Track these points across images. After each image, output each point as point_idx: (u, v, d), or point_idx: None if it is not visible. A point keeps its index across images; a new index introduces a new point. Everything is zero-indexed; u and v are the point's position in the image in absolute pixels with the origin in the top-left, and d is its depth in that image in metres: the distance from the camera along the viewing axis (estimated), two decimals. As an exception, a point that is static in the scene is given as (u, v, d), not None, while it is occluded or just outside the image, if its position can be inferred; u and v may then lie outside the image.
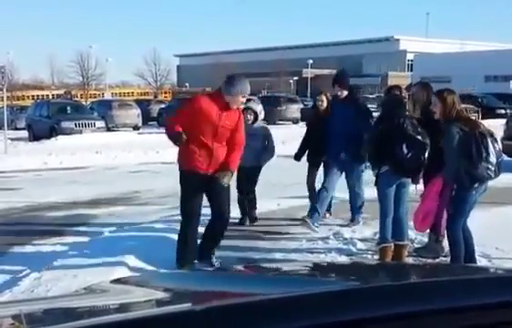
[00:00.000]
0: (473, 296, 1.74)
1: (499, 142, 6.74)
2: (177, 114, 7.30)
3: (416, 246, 7.98)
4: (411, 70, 79.15)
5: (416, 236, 8.28)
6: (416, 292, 1.78)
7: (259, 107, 9.47)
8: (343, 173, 8.97)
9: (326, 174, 9.06)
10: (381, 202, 7.27)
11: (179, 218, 7.16)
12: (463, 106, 7.04)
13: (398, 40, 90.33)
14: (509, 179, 9.27)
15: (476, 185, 6.50)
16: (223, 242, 7.32)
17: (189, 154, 6.73)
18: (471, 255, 6.80)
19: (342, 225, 9.17)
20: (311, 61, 78.36)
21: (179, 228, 7.11)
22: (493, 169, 6.42)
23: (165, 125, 7.55)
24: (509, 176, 9.33)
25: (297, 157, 9.78)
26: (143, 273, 6.11)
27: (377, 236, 8.21)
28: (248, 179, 9.36)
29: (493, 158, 6.38)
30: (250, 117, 9.16)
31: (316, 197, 8.92)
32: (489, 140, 6.40)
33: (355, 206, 9.21)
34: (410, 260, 7.27)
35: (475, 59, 65.94)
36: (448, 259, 7.08)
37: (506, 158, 6.77)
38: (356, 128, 8.39)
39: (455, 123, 6.46)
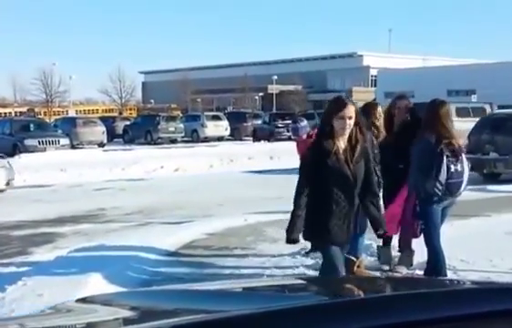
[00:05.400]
0: (442, 309, 1.76)
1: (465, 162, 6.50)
2: None
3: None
4: (375, 85, 79.82)
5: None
6: (378, 306, 1.79)
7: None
8: None
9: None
10: None
11: (146, 235, 7.11)
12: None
13: (362, 56, 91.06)
14: (470, 192, 9.36)
15: (436, 198, 6.37)
16: (189, 259, 7.27)
17: None
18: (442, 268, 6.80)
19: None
20: (275, 77, 78.61)
21: (146, 245, 7.05)
22: (440, 187, 6.25)
23: None
24: (470, 188, 9.43)
25: None
26: (109, 292, 6.06)
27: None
28: None
29: (442, 177, 6.21)
30: None
31: None
32: (445, 159, 6.22)
33: None
34: (377, 273, 7.30)
35: (437, 74, 66.63)
36: (416, 271, 7.15)
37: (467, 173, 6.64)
38: None
39: (429, 133, 6.35)
